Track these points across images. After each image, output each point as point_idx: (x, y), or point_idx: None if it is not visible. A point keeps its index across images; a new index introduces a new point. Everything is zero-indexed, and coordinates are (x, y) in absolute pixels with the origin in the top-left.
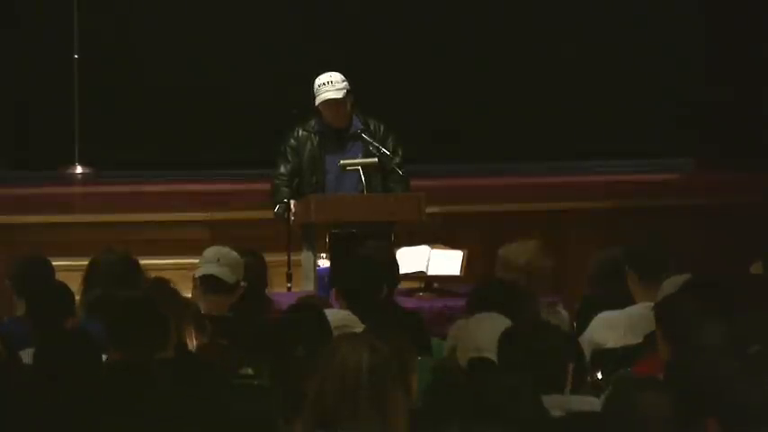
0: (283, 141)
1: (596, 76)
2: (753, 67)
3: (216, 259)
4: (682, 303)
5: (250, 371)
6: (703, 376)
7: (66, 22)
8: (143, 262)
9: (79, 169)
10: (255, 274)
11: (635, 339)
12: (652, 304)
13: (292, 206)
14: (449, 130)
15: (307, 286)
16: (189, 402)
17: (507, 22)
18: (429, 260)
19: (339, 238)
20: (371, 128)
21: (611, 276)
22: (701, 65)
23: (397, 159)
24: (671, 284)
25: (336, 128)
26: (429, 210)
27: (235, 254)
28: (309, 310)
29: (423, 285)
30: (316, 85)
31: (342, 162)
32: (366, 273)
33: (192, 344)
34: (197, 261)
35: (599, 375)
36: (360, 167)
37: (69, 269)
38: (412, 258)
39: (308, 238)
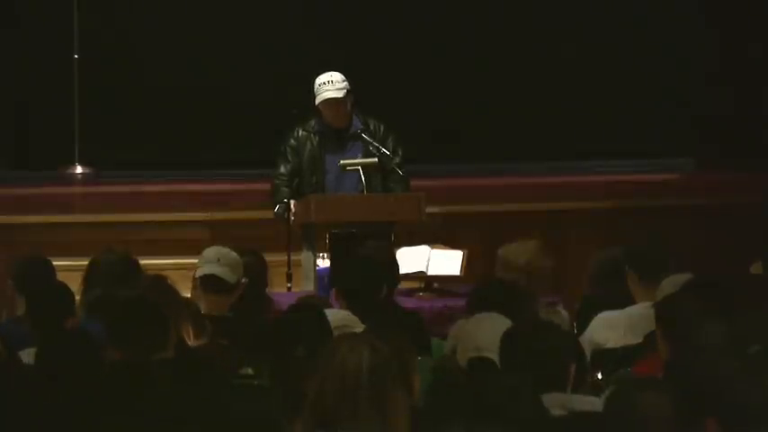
0: (283, 141)
1: (596, 76)
2: (753, 67)
3: (216, 259)
4: (682, 303)
5: (250, 371)
6: (703, 376)
7: (66, 22)
8: (143, 262)
9: (79, 169)
10: (256, 273)
11: (635, 339)
12: (652, 304)
13: (292, 206)
14: (449, 130)
15: (307, 286)
16: (189, 402)
17: (507, 22)
18: (429, 260)
19: (339, 238)
20: (371, 128)
21: (611, 276)
22: (701, 65)
23: (397, 159)
24: (670, 283)
25: (336, 128)
26: (429, 210)
27: (234, 254)
28: (309, 310)
29: (423, 285)
30: (316, 85)
31: (342, 162)
32: (366, 273)
33: (190, 340)
34: (197, 261)
35: (599, 375)
36: (360, 167)
37: (69, 269)
38: (412, 258)
39: (308, 238)
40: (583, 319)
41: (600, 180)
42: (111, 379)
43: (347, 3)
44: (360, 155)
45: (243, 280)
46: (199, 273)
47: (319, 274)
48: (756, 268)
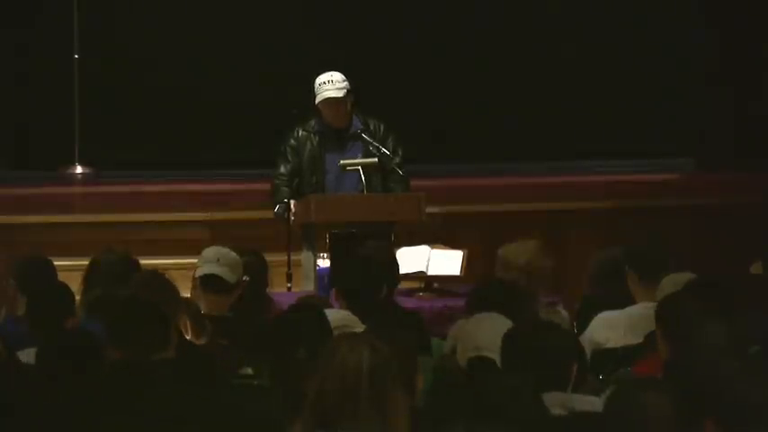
0: (283, 141)
1: (596, 76)
2: (753, 67)
3: (216, 259)
4: (682, 303)
5: (250, 371)
6: (703, 376)
7: (66, 22)
8: (143, 262)
9: (79, 169)
10: (256, 273)
11: (635, 339)
12: (652, 304)
13: (292, 206)
14: (449, 130)
15: (307, 286)
16: (189, 402)
17: (507, 22)
18: (429, 260)
19: (339, 238)
20: (371, 128)
21: (611, 276)
22: (701, 65)
23: (397, 159)
24: (670, 282)
25: (336, 128)
26: (429, 210)
27: (234, 254)
28: (309, 310)
29: (423, 285)
30: (316, 84)
31: (342, 162)
32: (366, 273)
33: (188, 335)
34: (197, 261)
35: (599, 375)
36: (360, 167)
37: (69, 269)
38: (412, 258)
39: (308, 238)
40: (583, 319)
41: (600, 180)
42: (112, 379)
43: (347, 3)
44: (360, 155)
45: (244, 278)
46: (199, 273)
47: (319, 274)
48: (756, 268)
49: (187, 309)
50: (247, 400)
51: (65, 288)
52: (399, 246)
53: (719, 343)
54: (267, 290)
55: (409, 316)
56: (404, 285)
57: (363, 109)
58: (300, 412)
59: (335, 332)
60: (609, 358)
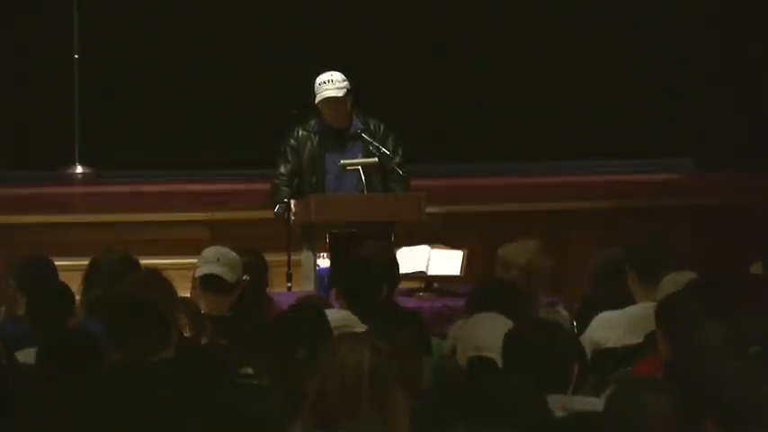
0: (283, 141)
1: (596, 76)
2: (753, 67)
3: (216, 259)
4: (682, 303)
5: (250, 370)
6: (703, 376)
7: (66, 22)
8: (143, 262)
9: (79, 169)
10: (256, 273)
11: (635, 339)
12: (652, 304)
13: (292, 206)
14: (449, 130)
15: (307, 286)
16: (189, 402)
17: (507, 22)
18: (429, 260)
19: (339, 237)
20: (371, 128)
21: (612, 276)
22: (701, 65)
23: (398, 159)
24: (670, 282)
25: (336, 127)
26: (429, 210)
27: (234, 254)
28: (309, 309)
29: (423, 285)
30: (316, 84)
31: (342, 162)
32: (366, 273)
33: (185, 333)
34: (197, 261)
35: (599, 375)
36: (360, 167)
37: (69, 269)
38: (412, 258)
39: (308, 237)
40: (583, 319)
41: (600, 180)
42: (112, 379)
43: (347, 3)
44: (360, 155)
45: (244, 277)
46: (198, 272)
47: (319, 274)
48: (756, 268)
49: (186, 308)
50: (247, 400)
51: (65, 288)
52: (399, 246)
53: (719, 343)
54: (267, 290)
55: (409, 316)
56: (404, 285)
57: (363, 109)
58: (300, 412)
59: (336, 332)
60: (609, 358)
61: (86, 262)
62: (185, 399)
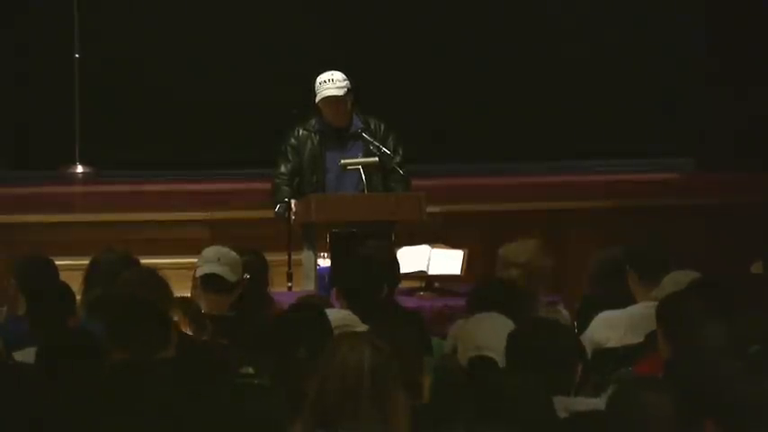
0: (284, 141)
1: (596, 76)
2: (753, 67)
3: (216, 258)
4: (683, 303)
5: (250, 370)
6: (704, 376)
7: (66, 22)
8: (143, 261)
9: (79, 169)
10: (256, 273)
11: (636, 339)
12: (653, 304)
13: (293, 205)
14: (449, 130)
15: (307, 286)
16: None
17: (507, 22)
18: (429, 260)
19: (339, 237)
20: (372, 127)
21: (612, 276)
22: (701, 64)
23: (398, 159)
24: (671, 281)
25: (337, 127)
26: (429, 209)
27: (234, 253)
28: (310, 309)
29: (423, 285)
30: (317, 83)
31: (342, 161)
32: (366, 272)
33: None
34: (197, 260)
35: (600, 375)
36: (360, 167)
37: (70, 269)
38: (412, 258)
39: (309, 237)
40: (583, 319)
41: (600, 180)
42: (112, 379)
43: (347, 3)
44: (360, 154)
45: (245, 277)
46: (199, 272)
47: (320, 274)
48: (757, 268)
49: (186, 307)
50: (248, 400)
51: (65, 288)
52: (400, 245)
53: (720, 343)
54: (267, 289)
55: (410, 315)
56: (404, 285)
57: (363, 109)
58: (301, 412)
59: (336, 332)
60: (609, 358)
61: (87, 261)
62: (185, 398)
